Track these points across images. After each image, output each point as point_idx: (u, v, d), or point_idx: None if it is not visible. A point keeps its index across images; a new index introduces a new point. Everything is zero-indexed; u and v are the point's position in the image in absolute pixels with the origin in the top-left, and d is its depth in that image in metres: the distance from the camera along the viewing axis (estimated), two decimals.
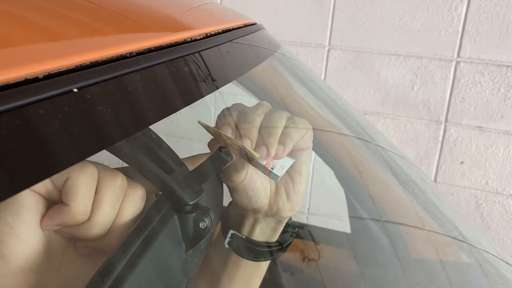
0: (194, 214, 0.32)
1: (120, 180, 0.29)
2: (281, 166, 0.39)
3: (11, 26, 0.26)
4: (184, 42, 0.40)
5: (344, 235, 0.84)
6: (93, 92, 0.26)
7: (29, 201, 0.27)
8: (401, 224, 0.68)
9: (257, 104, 0.42)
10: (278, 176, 0.38)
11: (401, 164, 0.73)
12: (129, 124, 0.30)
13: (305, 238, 0.80)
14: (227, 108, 0.41)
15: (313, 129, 0.70)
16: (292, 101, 0.73)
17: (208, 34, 0.47)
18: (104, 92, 0.28)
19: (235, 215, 0.45)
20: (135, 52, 0.32)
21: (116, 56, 0.29)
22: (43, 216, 0.27)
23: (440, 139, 1.29)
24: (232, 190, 0.41)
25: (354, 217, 0.77)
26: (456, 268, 0.66)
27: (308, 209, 1.39)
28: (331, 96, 0.78)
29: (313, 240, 0.81)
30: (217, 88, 0.46)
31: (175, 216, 0.31)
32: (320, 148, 0.75)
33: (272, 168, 0.38)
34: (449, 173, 1.31)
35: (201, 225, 0.32)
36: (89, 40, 0.30)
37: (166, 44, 0.37)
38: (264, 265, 0.47)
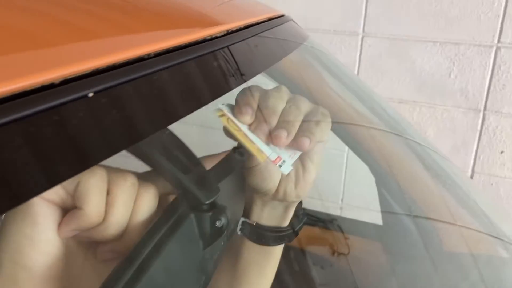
0: (210, 213, 0.33)
1: (130, 180, 0.29)
2: (289, 161, 0.39)
3: (42, 25, 0.27)
4: (214, 37, 0.41)
5: (375, 228, 0.83)
6: (122, 92, 0.27)
7: (44, 211, 0.27)
8: (431, 219, 0.67)
9: (277, 88, 0.42)
10: (287, 171, 0.39)
11: (433, 158, 0.72)
12: (158, 120, 0.31)
13: (335, 230, 0.80)
14: (248, 89, 0.41)
15: (340, 122, 0.69)
16: (319, 93, 0.72)
17: (236, 29, 0.47)
18: (134, 91, 0.29)
19: (246, 202, 0.46)
20: (165, 50, 0.33)
21: (146, 55, 0.30)
22: (59, 224, 0.28)
23: (479, 128, 1.25)
24: (247, 172, 0.42)
25: (385, 211, 0.76)
26: (489, 264, 0.64)
27: (342, 200, 1.38)
28: (361, 88, 0.77)
29: (343, 232, 0.80)
30: (245, 81, 0.47)
31: (192, 215, 0.32)
32: (350, 140, 0.74)
33: (280, 166, 0.38)
34: (488, 163, 1.27)
35: (217, 223, 0.33)
36: (118, 38, 0.31)
37: (196, 40, 0.38)
38: (278, 249, 0.48)
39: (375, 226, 0.83)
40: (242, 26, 0.50)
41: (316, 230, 0.74)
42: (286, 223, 0.46)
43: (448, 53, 1.23)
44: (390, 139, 0.72)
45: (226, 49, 0.45)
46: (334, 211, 1.35)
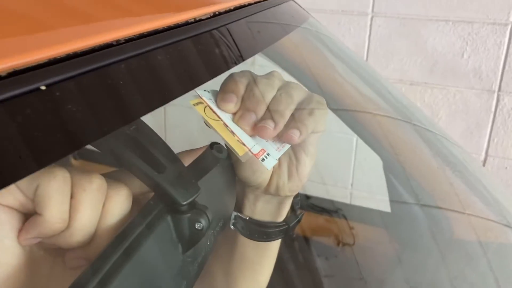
0: (189, 215, 0.30)
1: (97, 182, 0.27)
2: (275, 154, 0.36)
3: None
4: (211, 16, 0.39)
5: (383, 215, 0.80)
6: (117, 71, 0.25)
7: (1, 218, 0.25)
8: (439, 208, 0.64)
9: (268, 74, 0.39)
10: (270, 166, 0.36)
11: (443, 144, 0.68)
12: (155, 98, 0.29)
13: (340, 220, 0.78)
14: (235, 74, 0.38)
15: (343, 109, 0.66)
16: (320, 76, 0.69)
17: (233, 8, 0.45)
18: (128, 70, 0.27)
19: (238, 196, 0.43)
20: (161, 29, 0.31)
21: (142, 33, 0.28)
22: (19, 231, 0.25)
23: (493, 109, 1.20)
24: (235, 165, 0.39)
25: (393, 201, 0.73)
26: (501, 253, 0.61)
27: (352, 185, 1.35)
28: (365, 70, 0.73)
29: (348, 222, 0.78)
30: (243, 60, 0.44)
31: (168, 217, 0.29)
32: (355, 126, 0.71)
33: (263, 160, 0.35)
34: (502, 145, 1.22)
35: (197, 225, 0.30)
36: (120, 20, 0.29)
37: (192, 19, 0.36)
38: (276, 244, 0.46)
39: (383, 213, 0.81)
40: (239, 5, 0.47)
41: (320, 220, 0.72)
42: (281, 218, 0.44)
43: (461, 32, 1.18)
44: (397, 125, 0.69)
45: (223, 28, 0.42)
46: (343, 196, 1.33)
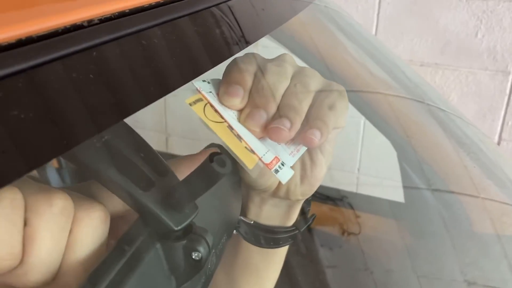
0: (184, 242, 0.24)
1: (59, 203, 0.21)
2: (289, 161, 0.30)
3: None
4: None
5: (392, 204, 0.77)
6: (107, 51, 0.21)
7: None
8: (452, 192, 0.61)
9: (279, 60, 0.32)
10: (286, 179, 0.29)
11: (458, 125, 0.64)
12: (151, 90, 0.25)
13: (346, 208, 0.74)
14: (240, 60, 0.31)
15: (356, 91, 0.62)
16: (332, 57, 0.65)
17: None
18: (120, 50, 0.23)
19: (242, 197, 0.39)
20: (154, 3, 0.26)
21: (128, 9, 0.24)
22: None
23: (508, 91, 1.16)
24: (240, 166, 0.34)
25: (406, 187, 0.70)
26: None
27: (359, 169, 1.32)
28: (378, 50, 0.69)
29: (354, 210, 0.75)
30: (248, 44, 0.40)
31: (158, 245, 0.24)
32: (367, 109, 0.67)
33: (277, 171, 0.29)
34: None
35: (194, 255, 0.25)
36: None
37: None
38: (283, 250, 0.41)
39: (391, 202, 0.77)
40: None
41: (325, 208, 0.68)
42: (290, 222, 0.39)
43: (475, 10, 1.12)
44: (409, 105, 0.65)
45: (224, 6, 0.38)
46: (350, 182, 1.30)
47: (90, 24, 0.23)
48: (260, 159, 0.28)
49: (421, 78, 0.74)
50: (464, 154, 0.60)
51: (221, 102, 0.29)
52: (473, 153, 0.60)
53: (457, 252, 0.58)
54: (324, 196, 0.70)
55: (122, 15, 0.25)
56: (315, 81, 0.31)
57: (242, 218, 0.38)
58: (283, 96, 0.30)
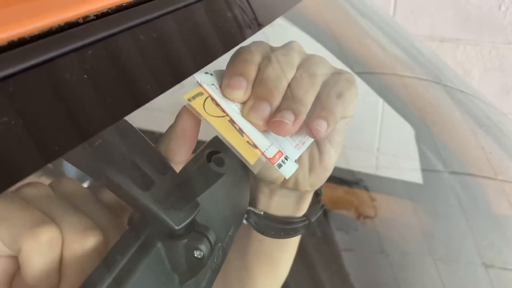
0: (185, 240, 0.24)
1: (46, 233, 0.21)
2: (294, 154, 0.29)
3: None
4: None
5: (410, 186, 0.76)
6: (117, 44, 0.21)
7: None
8: (470, 174, 0.59)
9: (285, 48, 0.31)
10: (289, 173, 0.28)
11: (476, 106, 0.63)
12: (165, 78, 0.25)
13: (361, 191, 0.74)
14: (245, 50, 0.30)
15: (373, 72, 0.61)
16: (348, 39, 0.63)
17: None
18: (130, 42, 0.23)
19: (250, 187, 0.38)
20: None
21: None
22: None
23: None
24: None
25: (425, 170, 0.69)
26: None
27: (378, 149, 1.30)
28: (393, 29, 0.67)
29: (370, 193, 0.74)
30: (261, 27, 0.39)
31: (159, 244, 0.24)
32: (384, 91, 0.66)
33: (280, 166, 0.28)
34: None
35: (196, 253, 0.24)
36: None
37: None
38: (296, 238, 0.41)
39: (409, 184, 0.76)
40: None
41: (340, 192, 0.68)
42: (301, 212, 0.38)
43: None
44: (426, 87, 0.64)
45: None
46: (369, 162, 1.28)
47: (85, 20, 0.22)
48: (262, 153, 0.27)
49: (439, 59, 0.72)
50: (483, 136, 0.58)
51: (223, 94, 0.28)
52: (492, 135, 0.58)
53: (474, 235, 0.57)
54: (339, 179, 0.69)
55: (120, 9, 0.24)
56: (323, 69, 0.30)
57: (252, 208, 0.38)
58: (288, 86, 0.29)
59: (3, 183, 0.16)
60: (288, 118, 0.27)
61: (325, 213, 0.67)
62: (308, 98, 0.28)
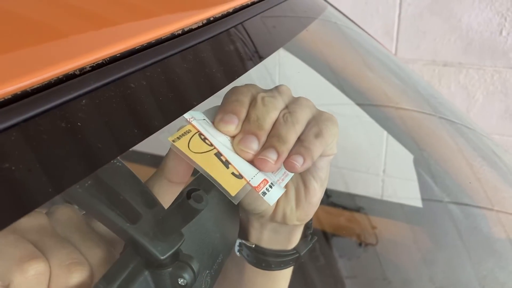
0: (170, 269, 0.27)
1: (34, 268, 0.23)
2: (278, 184, 0.31)
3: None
4: (225, 15, 0.37)
5: (412, 210, 0.77)
6: (130, 82, 0.24)
7: None
8: (467, 205, 0.60)
9: (274, 91, 0.34)
10: (273, 200, 0.31)
11: (470, 137, 0.64)
12: (173, 109, 0.27)
13: (362, 218, 0.74)
14: (237, 91, 0.34)
15: (367, 104, 0.63)
16: (343, 72, 0.65)
17: (246, 5, 0.42)
18: (142, 80, 0.26)
19: (242, 221, 0.40)
20: (177, 33, 0.30)
21: (154, 40, 0.27)
22: None
23: None
24: None
25: (424, 199, 0.70)
26: None
27: (384, 171, 1.31)
28: (386, 61, 0.69)
29: (372, 217, 0.75)
30: (261, 60, 0.42)
31: (146, 273, 0.26)
32: (383, 121, 0.67)
33: (264, 194, 0.30)
34: None
35: (180, 281, 0.27)
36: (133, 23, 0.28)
37: (207, 19, 0.34)
38: (288, 270, 0.42)
39: (412, 208, 0.77)
40: (250, 2, 0.45)
41: (342, 218, 0.69)
42: (291, 245, 0.40)
43: (499, 8, 1.10)
44: (424, 119, 0.65)
45: (239, 26, 0.40)
46: (375, 184, 1.29)
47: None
48: (248, 182, 0.30)
49: (432, 88, 0.73)
50: (479, 167, 0.59)
51: (217, 128, 0.32)
52: (487, 166, 0.59)
53: (474, 263, 0.58)
54: (340, 206, 0.70)
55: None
56: (307, 110, 0.33)
57: (244, 241, 0.39)
58: (273, 126, 0.32)
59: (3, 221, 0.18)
60: (271, 157, 0.30)
61: (328, 239, 0.68)
62: (291, 137, 0.31)
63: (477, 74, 1.18)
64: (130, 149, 0.25)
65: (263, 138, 0.31)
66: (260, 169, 0.30)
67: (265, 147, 0.31)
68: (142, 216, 0.27)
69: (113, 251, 0.28)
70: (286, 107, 0.33)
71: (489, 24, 1.12)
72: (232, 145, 0.31)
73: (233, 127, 0.31)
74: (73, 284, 0.25)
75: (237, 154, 0.31)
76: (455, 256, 0.61)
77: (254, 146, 0.31)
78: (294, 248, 0.40)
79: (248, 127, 0.31)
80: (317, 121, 0.33)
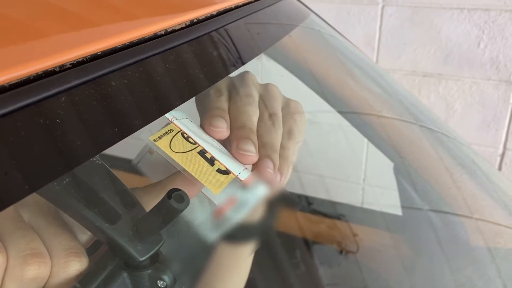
0: (149, 271, 0.26)
1: (32, 270, 0.23)
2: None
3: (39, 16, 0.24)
4: (207, 18, 0.37)
5: (392, 218, 0.77)
6: (111, 82, 0.24)
7: None
8: (446, 213, 0.61)
9: (244, 87, 0.37)
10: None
11: (450, 145, 0.65)
12: (152, 110, 0.27)
13: (343, 226, 0.74)
14: (214, 90, 0.36)
15: (347, 112, 0.63)
16: (325, 78, 0.66)
17: (229, 8, 0.43)
18: (121, 80, 0.25)
19: None
20: (160, 33, 0.30)
21: (136, 40, 0.27)
22: None
23: (511, 101, 1.15)
24: None
25: (404, 207, 0.70)
26: (508, 258, 0.58)
27: (364, 180, 1.32)
28: (370, 69, 0.69)
29: (351, 228, 0.75)
30: (243, 64, 0.42)
31: (125, 274, 0.26)
32: (364, 128, 0.68)
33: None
34: None
35: (159, 283, 0.26)
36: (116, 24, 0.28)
37: (190, 21, 0.34)
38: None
39: (392, 216, 0.77)
40: (233, 6, 0.45)
41: (323, 226, 0.69)
42: None
43: (477, 21, 1.12)
44: (404, 127, 0.66)
45: (222, 30, 0.40)
46: (355, 192, 1.29)
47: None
48: (236, 176, 0.30)
49: (414, 97, 0.74)
50: (458, 175, 0.60)
51: (207, 132, 0.32)
52: (467, 174, 0.60)
53: (453, 270, 0.58)
54: (321, 213, 0.71)
55: (138, 43, 0.27)
56: (279, 103, 0.37)
57: None
58: (258, 127, 0.34)
59: None
60: (271, 167, 0.33)
61: (308, 247, 0.68)
62: (277, 144, 0.34)
63: (456, 85, 1.20)
64: (113, 156, 0.25)
65: (255, 138, 0.33)
66: (262, 178, 0.32)
67: (261, 157, 0.33)
68: (122, 216, 0.26)
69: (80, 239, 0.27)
70: (260, 96, 0.36)
71: (468, 36, 1.14)
72: (231, 150, 0.32)
73: (224, 132, 0.33)
74: (29, 277, 0.24)
75: (236, 158, 0.32)
76: (435, 263, 0.62)
77: (252, 148, 0.33)
78: None
79: (239, 132, 0.33)
80: (287, 118, 0.36)
